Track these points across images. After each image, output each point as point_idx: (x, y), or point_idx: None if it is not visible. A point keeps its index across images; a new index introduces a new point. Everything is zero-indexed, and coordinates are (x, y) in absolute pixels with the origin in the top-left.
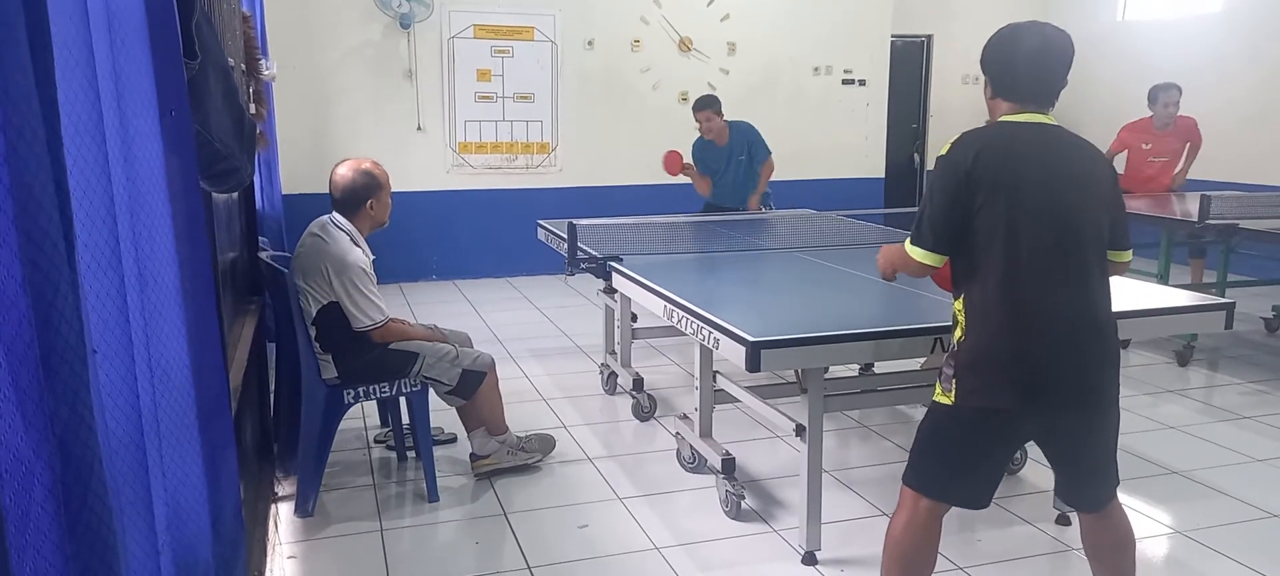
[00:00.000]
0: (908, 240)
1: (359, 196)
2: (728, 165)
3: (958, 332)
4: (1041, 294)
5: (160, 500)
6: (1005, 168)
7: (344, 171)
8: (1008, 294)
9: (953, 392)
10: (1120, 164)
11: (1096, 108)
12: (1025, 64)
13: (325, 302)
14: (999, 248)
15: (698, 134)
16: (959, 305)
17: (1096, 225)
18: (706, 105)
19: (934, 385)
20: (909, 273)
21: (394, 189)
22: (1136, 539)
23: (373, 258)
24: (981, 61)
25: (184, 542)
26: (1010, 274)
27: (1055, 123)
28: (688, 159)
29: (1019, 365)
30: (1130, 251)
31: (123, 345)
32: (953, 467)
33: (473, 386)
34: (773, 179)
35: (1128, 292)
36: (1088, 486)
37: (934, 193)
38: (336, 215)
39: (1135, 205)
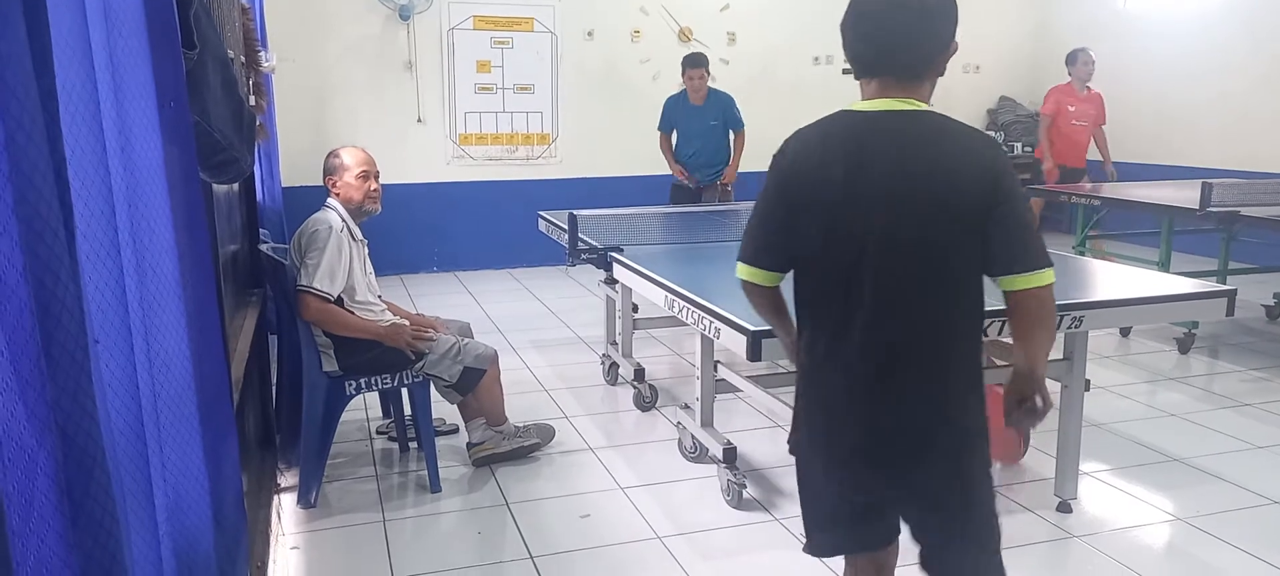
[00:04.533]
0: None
1: (324, 176)
2: (700, 127)
3: None
4: (839, 344)
5: (161, 491)
6: (811, 166)
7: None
8: (814, 335)
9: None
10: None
11: None
12: (853, 23)
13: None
14: (809, 274)
15: (679, 91)
16: None
17: (952, 253)
18: (701, 63)
19: None
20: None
21: (394, 181)
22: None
23: (365, 240)
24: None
25: (185, 533)
26: (817, 311)
27: (917, 108)
28: (667, 145)
29: (816, 434)
30: (1040, 272)
31: (122, 335)
32: (813, 522)
33: (472, 383)
34: (748, 170)
35: (1129, 279)
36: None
37: None
38: (329, 199)
39: (1136, 193)
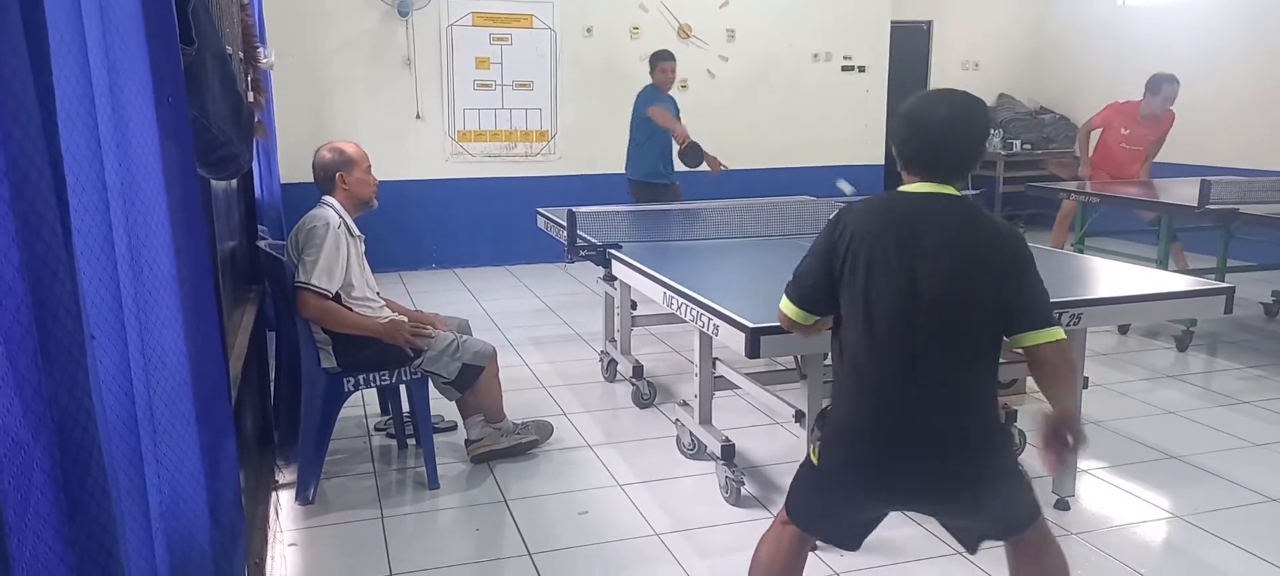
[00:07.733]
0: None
1: (329, 171)
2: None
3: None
4: (887, 381)
5: (155, 487)
6: (869, 236)
7: (318, 152)
8: (860, 372)
9: (816, 453)
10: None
11: (1093, 94)
12: (928, 134)
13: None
14: (856, 321)
15: (655, 89)
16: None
17: (979, 310)
18: (671, 57)
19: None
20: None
21: (393, 177)
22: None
23: (362, 236)
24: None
25: (181, 529)
26: (865, 352)
27: (958, 194)
28: (668, 112)
29: (863, 449)
30: (1055, 328)
31: (116, 331)
32: (820, 516)
33: (470, 380)
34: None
35: (1127, 277)
36: (976, 528)
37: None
38: (325, 197)
39: (1134, 191)
